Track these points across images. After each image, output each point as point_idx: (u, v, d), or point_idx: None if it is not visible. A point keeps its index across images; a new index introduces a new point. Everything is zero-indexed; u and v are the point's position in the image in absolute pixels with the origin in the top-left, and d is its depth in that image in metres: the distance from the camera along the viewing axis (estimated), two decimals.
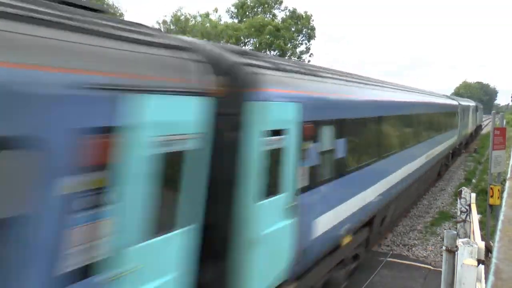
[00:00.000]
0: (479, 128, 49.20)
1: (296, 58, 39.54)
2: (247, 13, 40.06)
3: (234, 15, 41.22)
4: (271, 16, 40.85)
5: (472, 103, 36.06)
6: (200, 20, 39.93)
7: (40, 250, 2.43)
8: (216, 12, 42.07)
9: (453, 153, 24.70)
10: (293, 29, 40.30)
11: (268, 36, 37.00)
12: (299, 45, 41.71)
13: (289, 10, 40.84)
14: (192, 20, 39.26)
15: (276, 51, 37.72)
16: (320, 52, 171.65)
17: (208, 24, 38.83)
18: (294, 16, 40.31)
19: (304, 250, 5.37)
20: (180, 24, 36.48)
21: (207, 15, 41.45)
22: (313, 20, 41.10)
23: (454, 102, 22.69)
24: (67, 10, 2.92)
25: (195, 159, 3.62)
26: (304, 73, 6.07)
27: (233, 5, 40.65)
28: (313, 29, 41.11)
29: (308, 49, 41.94)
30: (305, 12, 40.76)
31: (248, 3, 40.25)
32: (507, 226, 2.31)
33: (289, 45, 39.38)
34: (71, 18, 2.80)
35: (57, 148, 2.44)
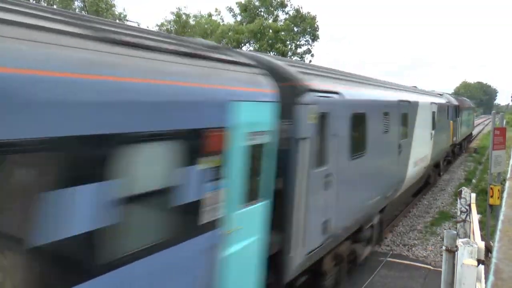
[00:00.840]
0: (467, 139, 33.06)
1: (297, 58, 39.46)
2: (252, 13, 39.82)
3: (236, 15, 41.04)
4: (273, 17, 40.70)
5: (435, 99, 16.77)
6: (203, 19, 39.82)
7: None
8: (219, 14, 41.97)
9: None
10: (295, 29, 40.14)
11: (268, 40, 36.91)
12: (302, 45, 41.56)
13: (294, 8, 40.60)
14: (193, 20, 39.20)
15: (275, 52, 37.68)
16: (321, 52, 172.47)
17: (208, 25, 38.74)
18: (298, 16, 40.11)
19: None
20: (181, 23, 36.41)
21: (209, 15, 41.35)
22: (317, 21, 40.89)
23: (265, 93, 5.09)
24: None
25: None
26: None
27: (236, 4, 40.34)
28: (316, 30, 40.93)
29: (309, 50, 41.84)
30: (308, 13, 40.59)
31: (254, 2, 39.95)
32: (507, 226, 2.31)
33: (289, 46, 39.21)
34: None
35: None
